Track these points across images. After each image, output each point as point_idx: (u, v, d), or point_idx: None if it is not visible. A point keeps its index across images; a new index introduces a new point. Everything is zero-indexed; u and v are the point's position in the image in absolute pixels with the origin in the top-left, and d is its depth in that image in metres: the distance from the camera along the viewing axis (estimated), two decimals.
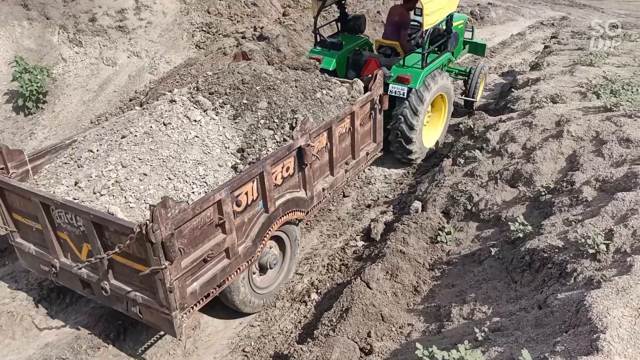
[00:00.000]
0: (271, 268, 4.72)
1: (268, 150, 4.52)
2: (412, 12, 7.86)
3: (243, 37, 9.80)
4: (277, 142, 4.66)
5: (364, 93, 5.75)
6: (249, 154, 4.45)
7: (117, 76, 9.30)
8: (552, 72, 8.24)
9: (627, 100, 5.93)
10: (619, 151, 4.65)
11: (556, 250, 3.60)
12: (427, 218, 5.25)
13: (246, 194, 4.07)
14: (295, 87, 5.31)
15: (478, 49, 9.12)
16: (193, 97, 4.83)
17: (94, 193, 4.03)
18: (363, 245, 5.59)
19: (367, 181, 7.05)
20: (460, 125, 7.25)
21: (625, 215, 3.55)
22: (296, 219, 4.84)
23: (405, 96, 6.69)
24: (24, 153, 4.48)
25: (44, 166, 4.61)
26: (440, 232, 5.04)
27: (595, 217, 3.74)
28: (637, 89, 6.79)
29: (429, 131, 7.50)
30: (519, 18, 19.89)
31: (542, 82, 7.68)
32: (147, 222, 3.27)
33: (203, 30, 10.04)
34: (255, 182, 4.13)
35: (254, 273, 4.63)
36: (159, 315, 3.72)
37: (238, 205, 4.01)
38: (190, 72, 8.64)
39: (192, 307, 3.82)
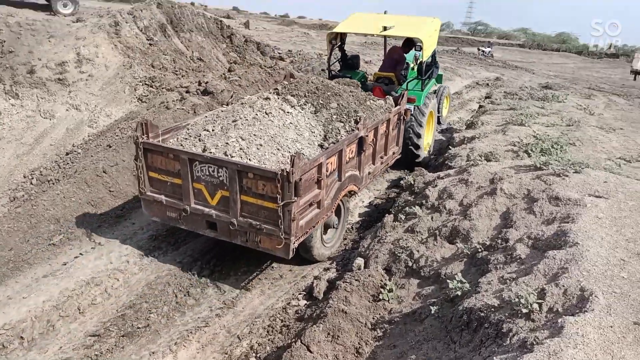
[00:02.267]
0: (334, 227, 6.41)
1: (341, 136, 6.23)
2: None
3: (187, 92, 9.77)
4: (347, 131, 6.39)
5: (394, 107, 7.79)
6: (328, 138, 6.17)
7: (55, 129, 9.01)
8: (487, 130, 8.61)
9: (556, 159, 6.23)
10: (549, 209, 4.83)
11: (492, 309, 3.63)
12: (369, 275, 5.21)
13: (331, 164, 5.78)
14: (352, 95, 7.22)
15: (437, 78, 10.85)
16: (282, 96, 6.58)
17: (226, 155, 5.45)
18: (305, 304, 5.47)
19: None
20: (402, 182, 7.39)
21: (557, 274, 3.64)
22: (352, 191, 6.57)
23: (412, 112, 8.73)
24: (158, 127, 5.98)
25: (169, 140, 6.01)
26: (382, 289, 5.00)
27: (529, 275, 3.81)
28: (565, 148, 7.18)
29: (424, 140, 9.26)
30: (456, 78, 20.94)
31: (477, 140, 7.99)
32: (288, 168, 4.84)
33: (146, 84, 9.95)
34: (336, 157, 5.89)
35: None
36: (278, 240, 5.15)
37: (327, 170, 5.64)
38: (131, 126, 8.48)
39: (298, 238, 5.35)
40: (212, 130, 5.95)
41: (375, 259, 5.57)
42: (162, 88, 9.95)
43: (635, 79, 23.10)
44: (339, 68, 9.98)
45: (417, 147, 8.82)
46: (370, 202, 8.06)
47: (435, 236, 5.41)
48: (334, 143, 6.01)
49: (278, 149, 5.70)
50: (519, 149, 7.22)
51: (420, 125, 8.77)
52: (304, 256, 6.15)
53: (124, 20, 11.03)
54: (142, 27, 11.29)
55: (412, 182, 6.99)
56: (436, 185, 6.38)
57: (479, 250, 4.82)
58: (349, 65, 9.97)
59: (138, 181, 5.87)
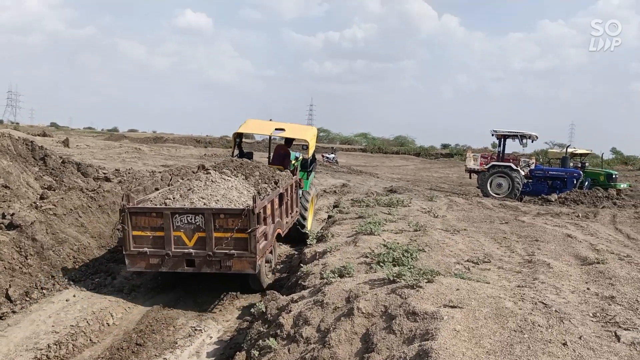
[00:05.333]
0: (269, 263, 9.17)
1: (269, 193, 9.00)
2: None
3: None
4: (271, 189, 9.32)
5: (293, 177, 11.02)
6: (261, 194, 8.74)
7: None
8: (338, 243, 8.85)
9: (409, 269, 6.51)
10: (408, 326, 4.92)
11: None
12: None
13: (269, 208, 8.51)
14: (264, 168, 10.42)
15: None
16: (218, 170, 9.63)
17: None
18: None
19: None
20: (252, 310, 7.14)
21: None
22: (279, 233, 9.50)
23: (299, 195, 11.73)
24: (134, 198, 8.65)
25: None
26: None
27: None
28: (416, 255, 7.58)
29: (309, 218, 12.52)
30: None
31: (329, 254, 8.14)
32: (251, 205, 7.60)
33: None
34: (269, 204, 8.58)
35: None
36: (247, 262, 7.75)
37: (268, 211, 8.47)
38: None
39: (260, 257, 8.06)
40: (173, 198, 8.29)
41: None
42: None
43: (470, 177, 26.00)
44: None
45: (305, 219, 11.93)
46: (219, 338, 7.63)
47: None
48: (267, 195, 8.80)
49: (230, 202, 8.22)
50: (372, 260, 7.46)
51: (305, 209, 11.98)
52: (252, 286, 8.74)
53: None
54: None
55: (264, 310, 6.78)
56: (290, 311, 6.24)
57: None
58: (246, 157, 12.32)
59: (124, 241, 7.91)
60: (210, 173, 8.98)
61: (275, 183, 9.66)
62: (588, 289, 6.54)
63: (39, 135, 42.43)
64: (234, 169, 9.79)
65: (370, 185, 25.64)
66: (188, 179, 9.06)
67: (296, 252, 11.10)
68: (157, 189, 12.90)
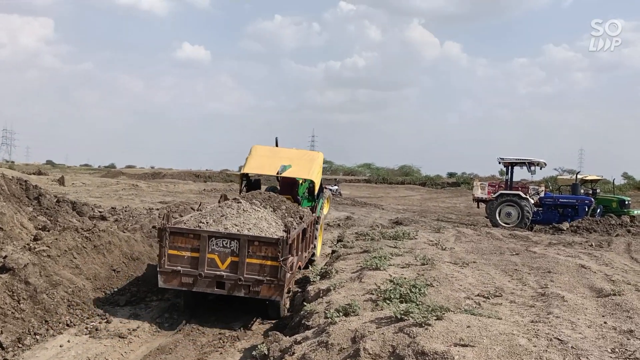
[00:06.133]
0: (288, 293, 9.59)
1: (294, 226, 9.25)
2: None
3: None
4: (297, 223, 9.85)
5: (313, 214, 12.24)
6: (287, 226, 8.83)
7: None
8: (342, 279, 8.77)
9: (417, 306, 6.42)
10: None
11: None
12: None
13: (295, 241, 9.19)
14: (290, 203, 11.40)
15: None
16: (248, 201, 10.15)
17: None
18: None
19: None
20: (254, 352, 7.03)
21: None
22: (300, 267, 10.40)
23: None
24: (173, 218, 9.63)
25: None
26: None
27: None
28: (424, 290, 7.49)
29: (318, 245, 13.37)
30: None
31: (333, 292, 8.05)
32: (284, 236, 8.38)
33: None
34: (297, 237, 9.29)
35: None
36: (276, 289, 8.41)
37: (294, 244, 9.13)
38: None
39: (288, 286, 8.93)
40: (207, 222, 8.97)
41: None
42: None
43: (478, 206, 25.89)
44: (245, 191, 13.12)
45: (314, 246, 12.57)
46: None
47: None
48: (294, 228, 9.13)
49: (261, 231, 8.91)
50: (378, 297, 7.37)
51: (315, 237, 12.52)
52: (270, 314, 9.18)
53: None
54: None
55: (267, 352, 6.68)
56: (294, 353, 6.14)
57: None
58: (253, 187, 13.22)
59: (159, 258, 8.65)
60: (241, 202, 9.80)
61: (300, 218, 10.38)
62: (605, 322, 6.43)
63: (34, 173, 42.68)
64: (263, 201, 10.54)
65: (375, 217, 25.54)
66: (220, 206, 9.88)
67: (299, 290, 10.99)
68: (154, 227, 12.89)
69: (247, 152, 13.10)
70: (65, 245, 9.95)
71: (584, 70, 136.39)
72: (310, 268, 12.06)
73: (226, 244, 8.50)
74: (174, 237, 8.60)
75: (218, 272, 8.51)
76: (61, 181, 33.43)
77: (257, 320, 9.23)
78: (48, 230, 11.37)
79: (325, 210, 15.08)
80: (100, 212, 15.94)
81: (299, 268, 10.38)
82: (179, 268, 8.56)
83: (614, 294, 7.75)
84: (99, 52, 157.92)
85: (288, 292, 9.37)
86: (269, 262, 8.40)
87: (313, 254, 12.51)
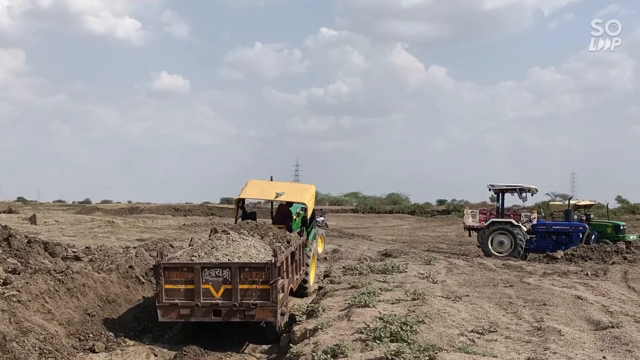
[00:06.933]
0: (283, 315, 9.88)
1: (283, 250, 10.26)
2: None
3: None
4: (285, 247, 10.81)
5: (300, 238, 12.65)
6: (276, 251, 9.47)
7: None
8: (330, 318, 8.69)
9: (408, 345, 6.37)
10: None
11: None
12: None
13: (284, 263, 9.89)
14: (277, 230, 12.50)
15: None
16: (237, 231, 11.02)
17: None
18: None
19: None
20: None
21: None
22: (291, 288, 11.00)
23: None
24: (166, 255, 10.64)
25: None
26: None
27: None
28: (415, 327, 7.43)
29: (311, 274, 13.65)
30: None
31: (320, 332, 7.96)
32: (273, 259, 9.10)
33: None
34: (285, 260, 10.04)
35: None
36: (269, 311, 9.20)
37: (285, 266, 9.94)
38: None
39: (281, 307, 9.49)
40: (199, 255, 9.84)
41: None
42: None
43: (470, 234, 25.93)
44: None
45: (307, 274, 13.02)
46: None
47: None
48: (281, 253, 9.87)
49: (250, 258, 9.74)
50: (367, 336, 7.29)
51: (307, 265, 12.99)
52: (268, 336, 9.82)
53: None
54: None
55: None
56: None
57: None
58: (249, 218, 13.97)
59: (157, 294, 9.29)
60: (229, 233, 10.65)
61: (288, 242, 11.36)
62: (604, 357, 6.43)
63: (4, 212, 42.17)
64: (250, 230, 11.50)
65: (364, 249, 25.47)
66: (210, 239, 10.86)
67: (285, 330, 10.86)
68: (131, 267, 12.75)
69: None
70: (36, 289, 9.78)
71: (572, 92, 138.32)
72: (302, 301, 12.09)
73: (218, 273, 9.23)
74: (169, 272, 9.30)
75: (214, 301, 9.22)
76: (33, 220, 33.05)
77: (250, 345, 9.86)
78: (18, 274, 11.17)
79: (320, 249, 16.07)
80: (74, 252, 15.71)
81: (291, 290, 11.15)
82: (176, 301, 9.24)
83: (612, 327, 7.76)
84: (72, 84, 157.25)
85: (282, 313, 9.84)
86: (260, 286, 9.14)
87: (306, 282, 13.04)
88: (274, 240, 11.26)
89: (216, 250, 9.95)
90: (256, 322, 9.55)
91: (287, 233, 12.50)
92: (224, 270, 9.24)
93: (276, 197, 13.60)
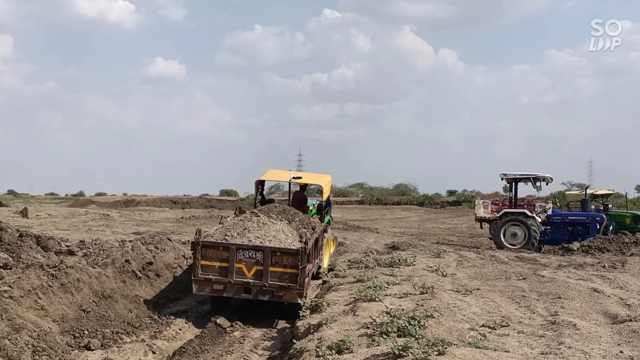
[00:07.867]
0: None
1: (309, 236, 11.45)
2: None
3: None
4: (311, 234, 11.88)
5: (322, 224, 14.12)
6: (302, 237, 11.41)
7: None
8: (334, 312, 8.72)
9: (416, 340, 6.39)
10: None
11: None
12: None
13: (310, 249, 11.02)
14: (303, 215, 13.50)
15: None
16: (266, 214, 12.19)
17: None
18: None
19: None
20: None
21: None
22: (313, 273, 12.51)
23: None
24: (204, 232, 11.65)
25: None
26: None
27: None
28: (423, 322, 7.46)
29: (325, 259, 14.67)
30: None
31: (324, 327, 7.99)
32: (302, 246, 10.69)
33: None
34: (312, 245, 11.24)
35: None
36: (296, 293, 10.42)
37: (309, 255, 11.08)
38: None
39: (306, 289, 11.00)
40: (232, 235, 11.12)
41: None
42: None
43: (481, 226, 25.87)
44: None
45: (321, 259, 13.73)
46: None
47: None
48: (310, 237, 11.32)
49: (280, 242, 11.01)
50: (373, 331, 7.33)
51: (321, 249, 13.66)
52: (291, 315, 10.49)
53: None
54: None
55: None
56: None
57: None
58: (267, 204, 14.87)
59: (193, 268, 10.68)
60: (260, 216, 11.93)
61: (313, 229, 12.35)
62: (621, 352, 6.44)
63: None
64: (279, 214, 12.44)
65: (370, 242, 25.49)
66: (241, 220, 11.96)
67: (288, 325, 10.93)
68: (127, 261, 12.80)
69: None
70: (29, 285, 9.84)
71: (590, 76, 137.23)
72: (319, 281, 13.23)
73: (252, 254, 10.55)
74: (205, 249, 10.61)
75: (245, 280, 10.53)
76: (24, 213, 33.14)
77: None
78: (10, 269, 11.23)
79: (331, 250, 16.96)
80: (67, 246, 15.76)
81: (312, 274, 12.43)
82: (211, 276, 10.56)
83: (630, 320, 7.77)
84: (62, 70, 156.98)
85: (305, 296, 10.86)
86: (289, 270, 10.50)
87: (320, 267, 13.82)
88: (300, 225, 12.21)
89: (248, 232, 11.23)
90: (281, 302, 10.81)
91: (311, 219, 13.58)
92: (257, 253, 10.50)
93: (294, 177, 15.41)
